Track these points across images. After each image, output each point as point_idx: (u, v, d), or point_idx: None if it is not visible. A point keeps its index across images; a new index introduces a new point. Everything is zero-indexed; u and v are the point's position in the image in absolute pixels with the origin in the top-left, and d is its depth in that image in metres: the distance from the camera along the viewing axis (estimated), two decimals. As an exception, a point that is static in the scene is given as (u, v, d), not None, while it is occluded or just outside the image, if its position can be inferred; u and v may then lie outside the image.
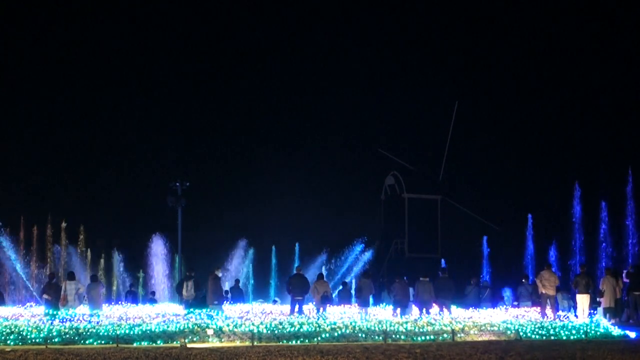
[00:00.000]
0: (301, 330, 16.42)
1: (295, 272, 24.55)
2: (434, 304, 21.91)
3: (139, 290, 35.45)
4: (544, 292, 22.30)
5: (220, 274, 23.28)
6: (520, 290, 24.75)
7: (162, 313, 21.04)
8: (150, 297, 31.11)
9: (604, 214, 33.54)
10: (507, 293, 26.13)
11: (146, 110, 64.88)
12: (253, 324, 16.68)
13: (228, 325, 16.59)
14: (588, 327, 17.51)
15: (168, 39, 73.42)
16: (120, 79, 67.34)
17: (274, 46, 74.87)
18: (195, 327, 16.33)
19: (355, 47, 74.35)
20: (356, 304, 23.37)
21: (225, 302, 24.40)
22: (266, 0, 75.17)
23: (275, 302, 30.82)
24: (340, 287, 26.55)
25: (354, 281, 33.96)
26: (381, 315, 20.61)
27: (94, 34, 71.38)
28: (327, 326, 16.65)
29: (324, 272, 29.37)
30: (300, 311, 22.10)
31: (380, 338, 16.19)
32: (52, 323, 16.78)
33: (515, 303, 24.19)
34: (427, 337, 16.38)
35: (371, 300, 23.74)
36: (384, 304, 24.31)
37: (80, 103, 65.33)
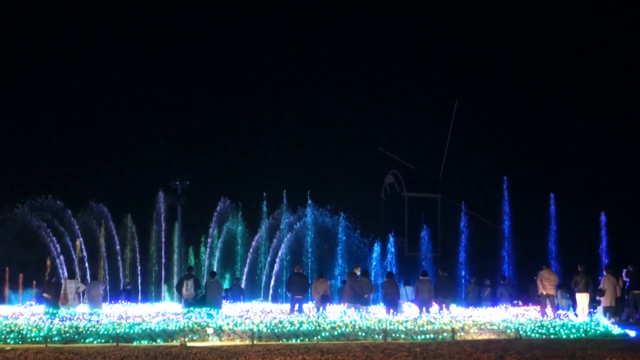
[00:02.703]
0: (301, 329, 16.41)
1: (294, 271, 24.56)
2: (433, 303, 21.93)
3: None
4: (543, 292, 22.26)
5: (359, 272, 22.94)
6: (500, 290, 24.67)
7: (162, 312, 21.05)
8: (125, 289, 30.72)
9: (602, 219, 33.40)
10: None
11: (146, 110, 64.90)
12: (253, 323, 16.68)
13: (228, 324, 16.59)
14: (588, 326, 17.50)
15: (168, 39, 73.42)
16: (121, 80, 67.39)
17: (274, 46, 74.92)
18: (195, 326, 16.32)
19: (355, 47, 74.36)
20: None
21: (225, 301, 24.44)
22: (266, 0, 75.20)
23: (275, 299, 30.86)
24: (341, 286, 26.57)
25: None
26: (381, 314, 20.61)
27: (94, 34, 71.40)
28: (327, 325, 16.64)
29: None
30: (300, 310, 22.11)
31: (380, 337, 16.19)
32: (52, 322, 16.77)
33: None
34: (427, 336, 16.37)
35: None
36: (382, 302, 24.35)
37: (80, 103, 65.39)
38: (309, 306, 23.33)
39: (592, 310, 22.22)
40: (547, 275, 22.48)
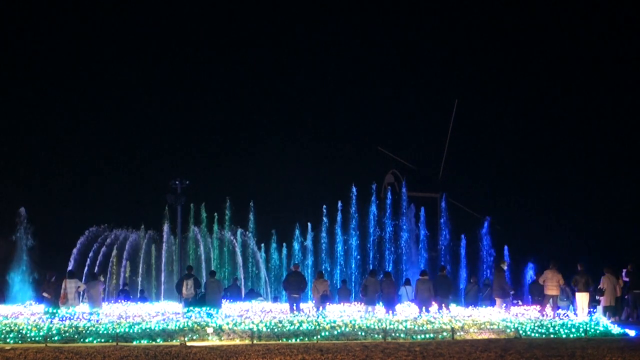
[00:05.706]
0: (301, 328, 16.42)
1: (292, 269, 24.55)
2: (433, 302, 21.92)
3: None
4: (548, 293, 22.29)
5: (505, 267, 22.76)
6: (486, 293, 24.69)
7: (161, 311, 21.05)
8: (140, 296, 31.03)
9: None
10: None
11: (146, 110, 64.95)
12: (253, 322, 16.68)
13: (228, 323, 16.59)
14: (588, 326, 17.50)
15: (168, 39, 73.47)
16: (121, 80, 67.44)
17: (275, 46, 74.96)
18: (195, 326, 16.32)
19: (355, 47, 74.40)
20: (356, 302, 23.38)
21: (224, 300, 24.43)
22: (267, 0, 75.21)
23: (275, 299, 30.85)
24: (340, 286, 26.57)
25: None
26: (380, 314, 20.61)
27: (95, 34, 71.43)
28: (327, 324, 16.64)
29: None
30: (298, 309, 22.08)
31: (380, 336, 16.19)
32: (51, 321, 16.77)
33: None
34: (427, 336, 16.37)
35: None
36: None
37: (80, 104, 65.43)
38: (308, 306, 23.32)
39: (591, 309, 22.21)
40: (550, 275, 22.51)
